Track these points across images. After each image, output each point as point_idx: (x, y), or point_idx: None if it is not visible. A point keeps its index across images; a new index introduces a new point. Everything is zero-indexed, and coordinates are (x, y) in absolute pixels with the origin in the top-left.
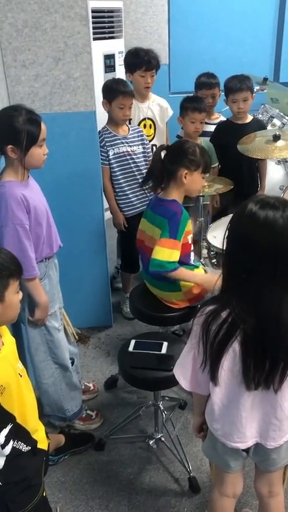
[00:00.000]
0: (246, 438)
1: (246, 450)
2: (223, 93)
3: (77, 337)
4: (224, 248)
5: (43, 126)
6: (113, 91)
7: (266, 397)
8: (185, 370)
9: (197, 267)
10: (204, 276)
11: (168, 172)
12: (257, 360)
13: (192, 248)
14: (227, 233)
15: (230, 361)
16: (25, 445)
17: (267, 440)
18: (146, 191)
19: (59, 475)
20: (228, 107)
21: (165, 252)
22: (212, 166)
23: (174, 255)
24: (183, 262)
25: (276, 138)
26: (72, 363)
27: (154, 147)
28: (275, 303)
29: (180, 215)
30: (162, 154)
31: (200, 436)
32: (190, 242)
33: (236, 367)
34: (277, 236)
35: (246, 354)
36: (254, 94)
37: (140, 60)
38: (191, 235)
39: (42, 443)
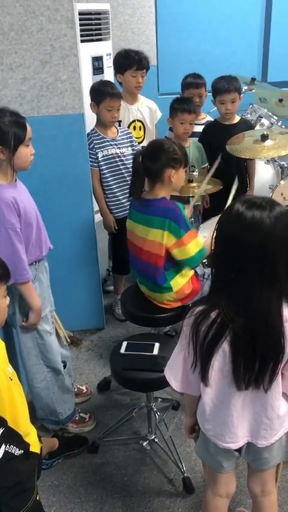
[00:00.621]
0: (238, 438)
1: (239, 450)
2: (210, 94)
3: (69, 340)
4: (212, 248)
5: (28, 126)
6: (101, 93)
7: (256, 396)
8: (176, 371)
9: None
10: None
11: (152, 174)
12: (246, 359)
13: None
14: (215, 233)
15: (220, 362)
16: (17, 449)
17: (258, 440)
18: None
19: (53, 479)
20: (216, 108)
21: (193, 246)
22: (202, 166)
23: (199, 242)
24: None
25: (264, 137)
26: (65, 366)
27: None
28: (264, 302)
29: (178, 210)
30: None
31: (192, 437)
32: None
33: (226, 367)
34: (264, 236)
35: (236, 353)
36: (241, 95)
37: (131, 60)
38: None
39: (35, 447)
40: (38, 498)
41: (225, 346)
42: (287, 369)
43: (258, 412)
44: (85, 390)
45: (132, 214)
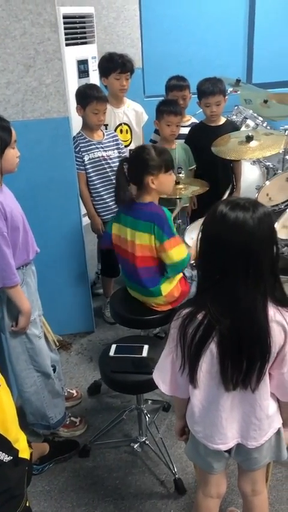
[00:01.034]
0: (228, 439)
1: (228, 451)
2: (195, 96)
3: (57, 344)
4: (198, 250)
5: (12, 128)
6: (87, 96)
7: (244, 397)
8: (164, 374)
9: None
10: None
11: (133, 181)
12: (234, 360)
13: None
14: (200, 235)
15: (207, 363)
16: (6, 455)
17: (248, 440)
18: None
19: (44, 484)
20: (201, 110)
21: (176, 252)
22: (189, 168)
23: (183, 248)
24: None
25: (249, 139)
26: (54, 370)
27: None
28: (249, 302)
29: (163, 214)
30: (125, 167)
31: (182, 439)
32: None
33: (214, 369)
34: (248, 236)
35: (223, 354)
36: (226, 97)
37: (115, 63)
38: None
39: (24, 453)
40: (27, 504)
41: (212, 348)
42: (274, 368)
43: (247, 413)
44: (75, 394)
45: (121, 218)
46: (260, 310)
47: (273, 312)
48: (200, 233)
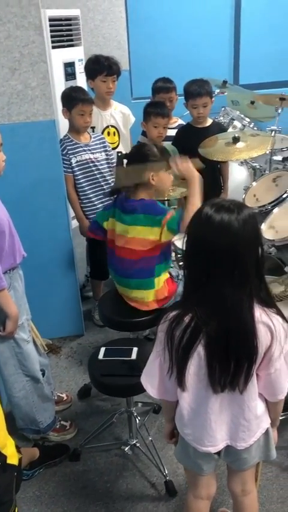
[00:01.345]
0: (217, 441)
1: (218, 452)
2: (182, 97)
3: (46, 348)
4: (184, 251)
5: None
6: (72, 99)
7: (233, 399)
8: (152, 378)
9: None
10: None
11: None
12: (221, 362)
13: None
14: (185, 237)
15: (195, 366)
16: None
17: (237, 442)
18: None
19: (34, 489)
20: (188, 112)
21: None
22: None
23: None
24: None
25: (235, 140)
26: (43, 374)
27: (119, 155)
28: (235, 304)
29: (154, 202)
30: (125, 162)
31: (171, 442)
32: None
33: (202, 371)
34: (233, 238)
35: (211, 357)
36: (213, 98)
37: (101, 66)
38: None
39: (12, 459)
40: (16, 511)
41: (200, 350)
42: (261, 369)
43: (236, 414)
44: (65, 398)
45: (115, 213)
46: (246, 311)
47: (259, 313)
48: (186, 235)
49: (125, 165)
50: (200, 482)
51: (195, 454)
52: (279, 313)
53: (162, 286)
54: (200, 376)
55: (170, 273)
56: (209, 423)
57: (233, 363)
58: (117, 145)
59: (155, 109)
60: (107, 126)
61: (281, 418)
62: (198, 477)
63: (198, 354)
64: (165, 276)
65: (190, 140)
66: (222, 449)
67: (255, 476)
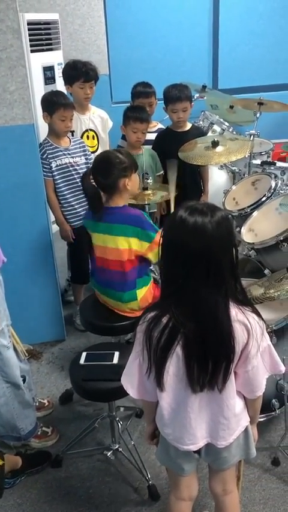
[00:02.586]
0: (197, 439)
1: (198, 452)
2: (161, 102)
3: (26, 354)
4: (159, 255)
5: None
6: (53, 103)
7: (212, 397)
8: (132, 379)
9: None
10: None
11: (107, 187)
12: (199, 362)
13: None
14: (161, 240)
15: (174, 366)
16: None
17: (217, 440)
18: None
19: (16, 497)
20: (167, 116)
21: None
22: (157, 174)
23: None
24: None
25: (215, 144)
26: (24, 381)
27: None
28: (211, 305)
29: (141, 215)
30: (91, 178)
31: (153, 443)
32: None
33: (181, 371)
34: (207, 241)
35: (189, 357)
36: (192, 103)
37: (78, 72)
38: None
39: None
40: None
41: (178, 351)
42: (239, 367)
43: (215, 413)
44: (47, 404)
45: (98, 227)
46: (222, 312)
47: (235, 312)
48: (161, 238)
49: (91, 177)
50: (181, 483)
51: (176, 454)
52: (255, 311)
53: (146, 294)
54: (179, 376)
55: (154, 278)
56: (188, 421)
57: (211, 362)
58: (97, 149)
59: (133, 113)
60: (86, 130)
61: (261, 419)
62: (180, 478)
63: (177, 354)
64: (147, 285)
65: (170, 144)
66: (202, 448)
67: (237, 475)
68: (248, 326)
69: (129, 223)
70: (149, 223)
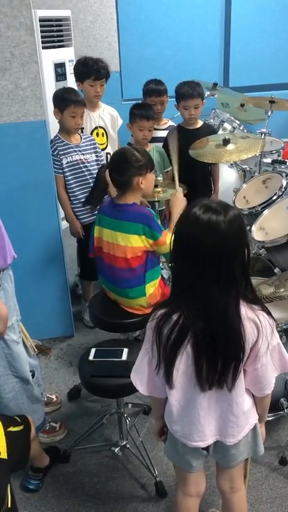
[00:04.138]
0: (206, 436)
1: (207, 449)
2: (172, 99)
3: (36, 350)
4: (172, 251)
5: None
6: (64, 100)
7: (221, 395)
8: (141, 375)
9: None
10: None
11: (121, 184)
12: (209, 361)
13: None
14: (173, 237)
15: (183, 364)
16: None
17: (226, 438)
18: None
19: (24, 491)
20: (179, 113)
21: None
22: (165, 170)
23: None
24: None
25: (226, 142)
26: (33, 376)
27: (109, 156)
28: (222, 305)
29: (150, 213)
30: (107, 174)
31: (161, 440)
32: None
33: (190, 369)
34: (220, 239)
35: (199, 355)
36: (204, 100)
37: (89, 69)
38: None
39: (2, 452)
40: (9, 506)
41: (188, 349)
42: (248, 365)
43: (224, 410)
44: (55, 399)
45: (101, 220)
46: (233, 312)
47: (245, 311)
48: (173, 235)
49: (107, 173)
50: (189, 479)
51: (184, 450)
52: (265, 309)
53: (155, 291)
54: (188, 374)
55: (162, 276)
56: (198, 418)
57: (221, 361)
58: (106, 146)
59: (140, 111)
60: (96, 127)
61: (269, 418)
62: (188, 474)
63: (187, 352)
64: (156, 281)
65: (180, 141)
66: (211, 445)
67: (244, 473)
68: (258, 324)
69: (137, 220)
70: (156, 223)
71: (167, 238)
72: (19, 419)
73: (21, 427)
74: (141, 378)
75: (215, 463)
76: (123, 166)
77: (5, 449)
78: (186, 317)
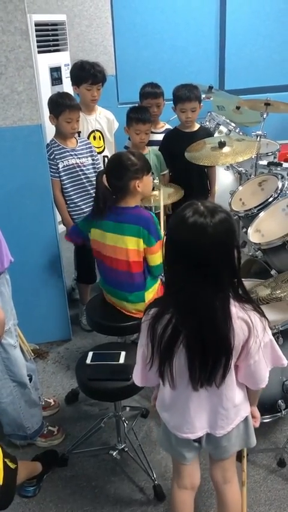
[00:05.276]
0: (196, 429)
1: (198, 441)
2: (169, 102)
3: (32, 354)
4: (164, 254)
5: None
6: (59, 105)
7: (212, 390)
8: (137, 366)
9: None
10: None
11: (119, 189)
12: (200, 361)
13: None
14: (164, 239)
15: (177, 363)
16: None
17: (216, 430)
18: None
19: (21, 496)
20: (176, 116)
21: (160, 255)
22: (162, 173)
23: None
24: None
25: (221, 144)
26: (30, 380)
27: (106, 159)
28: (209, 309)
29: (151, 217)
30: (104, 179)
31: (154, 408)
32: None
33: (183, 369)
34: (206, 242)
35: (192, 356)
36: (201, 103)
37: (86, 73)
38: None
39: None
40: None
41: (182, 348)
42: (241, 361)
43: (215, 404)
44: (53, 403)
45: (102, 224)
46: (221, 314)
47: (236, 311)
48: (164, 237)
49: (104, 178)
50: (183, 471)
51: (177, 442)
52: (257, 308)
53: (153, 297)
54: (181, 373)
55: (161, 280)
56: (187, 412)
57: (211, 362)
58: (103, 150)
59: (136, 114)
60: (93, 131)
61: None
62: (182, 466)
63: (181, 352)
64: (155, 286)
65: (177, 144)
66: (203, 437)
67: (242, 466)
68: (249, 323)
69: (138, 223)
70: (155, 229)
71: (160, 248)
72: (15, 460)
73: (15, 466)
74: (136, 368)
75: (208, 456)
76: (120, 171)
77: (1, 476)
78: (177, 318)
